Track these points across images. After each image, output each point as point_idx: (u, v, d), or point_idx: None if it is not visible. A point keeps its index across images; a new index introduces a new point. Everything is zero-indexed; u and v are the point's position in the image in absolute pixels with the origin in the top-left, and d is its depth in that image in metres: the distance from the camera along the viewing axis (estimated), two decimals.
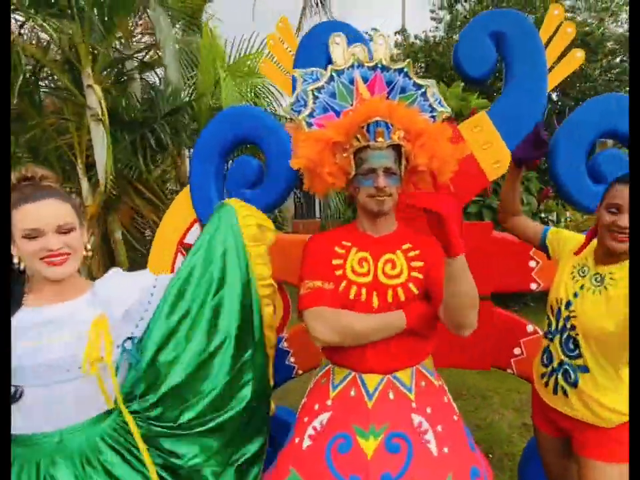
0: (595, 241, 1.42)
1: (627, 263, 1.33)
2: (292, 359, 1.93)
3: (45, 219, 1.01)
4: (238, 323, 1.27)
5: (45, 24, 2.11)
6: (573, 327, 1.37)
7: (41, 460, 0.99)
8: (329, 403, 1.33)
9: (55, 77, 2.66)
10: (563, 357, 1.41)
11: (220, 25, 4.20)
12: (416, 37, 11.53)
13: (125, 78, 3.02)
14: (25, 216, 1.00)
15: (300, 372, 1.93)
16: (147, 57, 3.07)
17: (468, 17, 10.28)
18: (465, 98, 5.91)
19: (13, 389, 0.95)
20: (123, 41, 2.88)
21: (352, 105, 1.41)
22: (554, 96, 10.44)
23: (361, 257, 1.36)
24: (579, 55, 1.78)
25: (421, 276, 1.33)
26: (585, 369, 1.36)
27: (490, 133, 1.77)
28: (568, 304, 1.41)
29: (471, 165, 1.78)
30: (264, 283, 1.38)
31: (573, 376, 1.39)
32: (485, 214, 4.99)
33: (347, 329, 1.26)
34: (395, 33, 11.74)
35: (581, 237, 1.50)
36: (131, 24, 2.84)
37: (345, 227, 1.52)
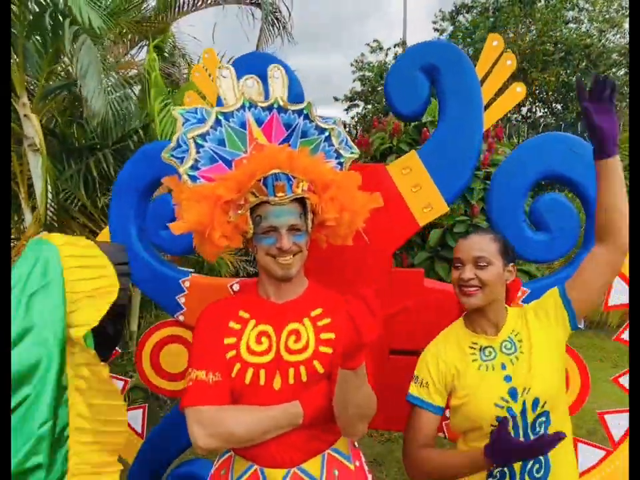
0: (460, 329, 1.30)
1: (512, 312, 1.26)
2: None
3: None
4: None
5: None
6: (537, 402, 1.14)
7: None
8: None
9: None
10: None
11: (195, 43, 4.16)
12: None
13: (78, 104, 2.98)
14: None
15: None
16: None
17: (469, 27, 10.15)
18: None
19: None
20: (66, 65, 2.85)
21: (245, 152, 1.27)
22: (559, 107, 10.22)
23: (260, 331, 1.19)
24: (519, 89, 1.63)
25: (330, 350, 1.17)
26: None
27: (420, 175, 1.62)
28: (512, 392, 1.16)
29: (401, 209, 1.63)
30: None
31: (543, 463, 1.14)
32: None
33: (226, 436, 1.10)
34: (395, 45, 11.68)
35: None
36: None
37: (248, 287, 1.37)
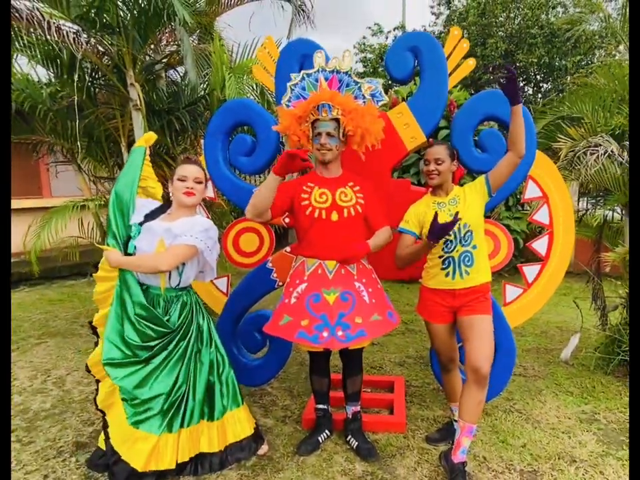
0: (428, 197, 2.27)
1: (456, 188, 2.21)
2: (275, 275, 2.77)
3: (189, 173, 2.10)
4: None
5: (100, 39, 2.96)
6: (466, 225, 2.08)
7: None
8: (305, 278, 2.20)
9: (107, 77, 3.54)
10: (462, 249, 2.11)
11: (230, 30, 5.03)
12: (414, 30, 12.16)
13: (154, 76, 3.90)
14: (181, 170, 2.11)
15: (280, 284, 2.77)
16: (171, 60, 3.96)
17: (464, 12, 10.89)
18: (450, 91, 6.63)
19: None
20: (152, 48, 3.74)
21: None
22: (546, 86, 11.02)
23: (321, 192, 2.20)
24: (470, 62, 2.57)
25: (363, 202, 2.21)
26: (475, 246, 2.12)
27: (408, 117, 2.57)
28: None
29: (395, 140, 2.58)
30: None
31: (470, 257, 2.12)
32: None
33: (251, 203, 2.14)
34: (395, 29, 12.43)
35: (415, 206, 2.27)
36: (159, 36, 3.69)
37: (310, 174, 2.35)
